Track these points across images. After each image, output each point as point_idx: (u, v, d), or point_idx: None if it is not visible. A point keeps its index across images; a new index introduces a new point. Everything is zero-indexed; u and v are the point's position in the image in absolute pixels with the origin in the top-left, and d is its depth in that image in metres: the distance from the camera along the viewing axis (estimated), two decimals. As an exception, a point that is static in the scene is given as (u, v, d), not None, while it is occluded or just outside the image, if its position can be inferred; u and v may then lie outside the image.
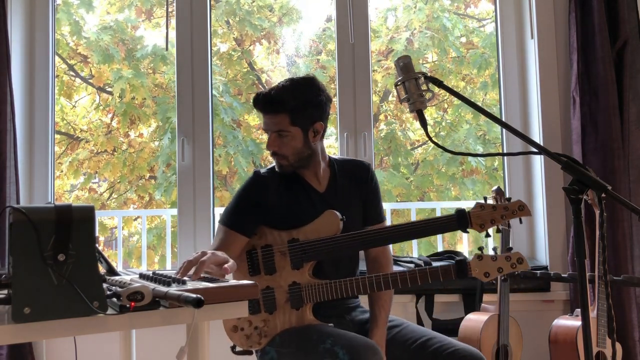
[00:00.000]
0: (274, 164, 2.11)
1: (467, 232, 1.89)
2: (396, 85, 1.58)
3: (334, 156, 2.17)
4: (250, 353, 2.03)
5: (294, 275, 1.94)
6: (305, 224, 1.97)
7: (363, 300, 2.16)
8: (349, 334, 1.86)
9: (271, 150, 2.00)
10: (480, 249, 1.88)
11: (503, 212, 1.86)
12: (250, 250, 2.00)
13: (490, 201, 2.30)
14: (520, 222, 1.99)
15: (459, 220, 1.86)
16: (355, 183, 2.10)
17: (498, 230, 2.30)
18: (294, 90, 1.97)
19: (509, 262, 1.82)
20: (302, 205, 2.02)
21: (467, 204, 5.55)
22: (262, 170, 2.08)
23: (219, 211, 4.37)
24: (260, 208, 2.01)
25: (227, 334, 1.99)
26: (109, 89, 6.23)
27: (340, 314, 2.04)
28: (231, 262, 1.62)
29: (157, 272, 1.52)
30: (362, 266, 2.17)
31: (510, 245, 2.42)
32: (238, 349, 2.02)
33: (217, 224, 2.09)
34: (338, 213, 1.96)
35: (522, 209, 1.86)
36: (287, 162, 2.01)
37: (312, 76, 2.05)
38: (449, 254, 2.89)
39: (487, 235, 1.85)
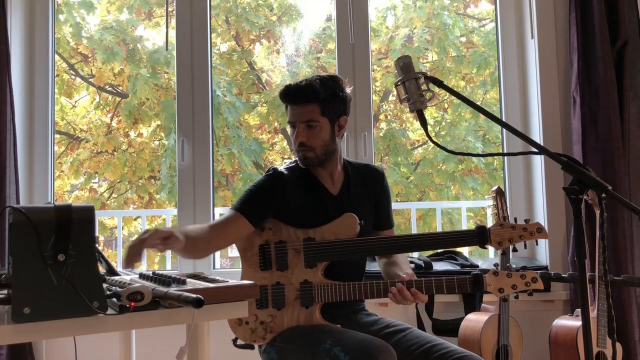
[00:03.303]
0: (289, 163, 2.13)
1: (486, 248, 1.94)
2: (396, 85, 1.58)
3: (348, 158, 2.19)
4: (252, 347, 2.02)
5: (306, 274, 1.95)
6: (320, 225, 1.98)
7: (367, 303, 2.16)
8: (359, 335, 1.84)
9: (299, 142, 1.99)
10: (496, 265, 1.90)
11: (522, 232, 1.91)
12: (263, 245, 2.00)
13: (490, 201, 2.31)
14: (537, 243, 2.02)
15: (479, 237, 1.91)
16: (368, 189, 2.12)
17: (503, 254, 2.32)
18: (324, 83, 2.00)
19: (524, 280, 1.86)
20: (314, 206, 2.03)
21: (467, 204, 5.57)
22: (280, 169, 2.09)
23: (219, 211, 4.37)
24: (272, 202, 2.01)
25: (230, 326, 1.98)
26: (110, 89, 6.24)
27: (347, 315, 2.04)
28: (176, 237, 1.70)
29: (157, 272, 1.52)
30: (369, 267, 2.18)
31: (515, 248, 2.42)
32: (239, 342, 2.02)
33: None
34: (356, 217, 1.98)
35: (541, 231, 1.91)
36: (314, 154, 2.01)
37: (336, 74, 2.08)
38: (450, 255, 2.89)
39: (503, 254, 1.88)
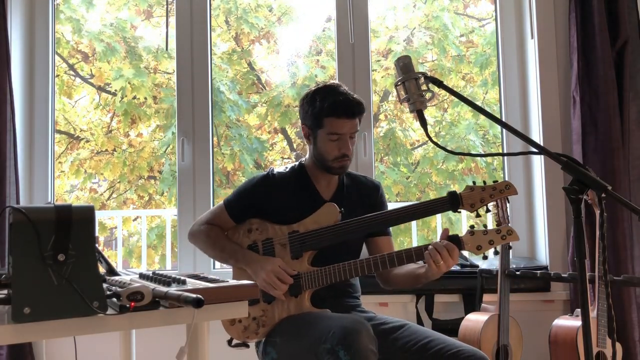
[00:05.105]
0: (288, 165, 2.16)
1: (459, 212, 1.98)
2: (396, 85, 1.58)
3: None
4: (247, 346, 2.04)
5: (294, 265, 1.98)
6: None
7: (365, 301, 2.16)
8: (343, 320, 1.79)
9: (344, 153, 2.03)
10: (472, 226, 1.91)
11: (491, 191, 1.94)
12: (251, 244, 2.05)
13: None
14: (507, 201, 2.06)
15: (451, 202, 1.94)
16: (363, 197, 2.14)
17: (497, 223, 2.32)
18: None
19: (499, 234, 1.88)
20: (304, 212, 2.03)
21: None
22: (276, 172, 2.12)
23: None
24: (261, 205, 2.07)
25: (224, 327, 2.02)
26: (109, 88, 6.23)
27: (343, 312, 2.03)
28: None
29: (157, 272, 1.52)
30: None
31: (510, 245, 2.42)
32: (235, 342, 2.04)
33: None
34: (336, 205, 2.01)
35: (509, 188, 1.95)
36: (350, 162, 2.07)
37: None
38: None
39: (478, 216, 1.92)
